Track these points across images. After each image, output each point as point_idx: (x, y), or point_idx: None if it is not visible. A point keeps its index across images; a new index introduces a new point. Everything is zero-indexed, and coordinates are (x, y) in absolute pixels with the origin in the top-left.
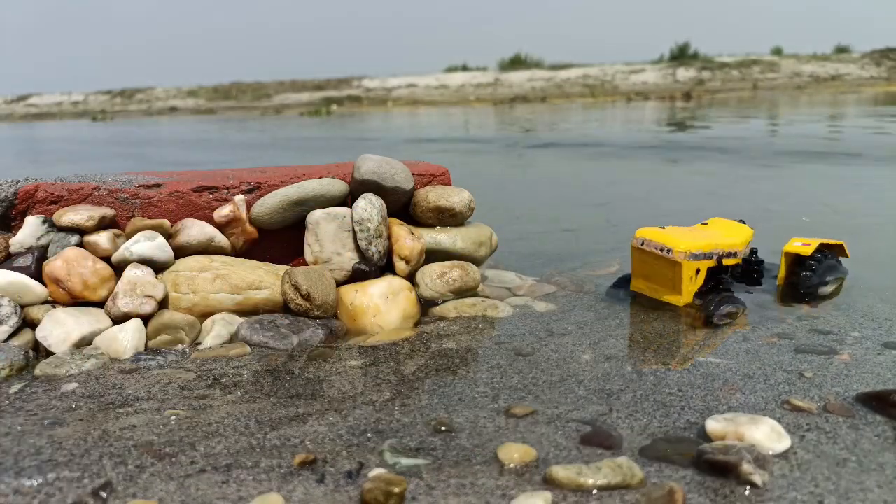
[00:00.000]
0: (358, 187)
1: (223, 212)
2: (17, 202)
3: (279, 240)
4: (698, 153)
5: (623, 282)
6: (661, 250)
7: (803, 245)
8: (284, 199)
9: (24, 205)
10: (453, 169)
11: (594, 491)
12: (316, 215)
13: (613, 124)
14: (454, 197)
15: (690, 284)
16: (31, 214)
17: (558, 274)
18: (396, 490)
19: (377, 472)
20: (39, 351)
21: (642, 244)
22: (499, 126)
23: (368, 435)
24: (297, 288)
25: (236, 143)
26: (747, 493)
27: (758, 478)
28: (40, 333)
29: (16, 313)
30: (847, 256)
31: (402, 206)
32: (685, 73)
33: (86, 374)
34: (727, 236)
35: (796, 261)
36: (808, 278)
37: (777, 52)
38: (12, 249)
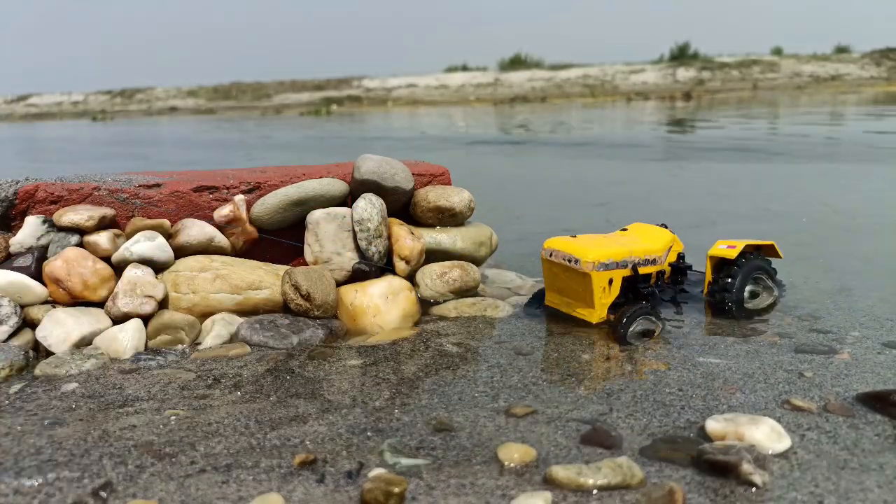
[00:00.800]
0: (358, 187)
1: (223, 212)
2: (17, 202)
3: (279, 240)
4: (698, 153)
5: (539, 297)
6: (570, 261)
7: (728, 248)
8: (284, 199)
9: (24, 205)
10: (453, 169)
11: (594, 491)
12: (316, 215)
13: (613, 124)
14: (454, 197)
15: (603, 297)
16: (31, 214)
17: None
18: (396, 490)
19: (377, 471)
20: (39, 351)
21: (550, 255)
22: (499, 126)
23: (368, 434)
24: (297, 288)
25: (236, 142)
26: (747, 492)
27: (758, 478)
28: (40, 333)
29: (16, 313)
30: (780, 257)
31: (402, 206)
32: (685, 73)
33: (86, 374)
34: (644, 242)
35: (720, 266)
36: (727, 287)
37: (777, 52)
38: (12, 249)
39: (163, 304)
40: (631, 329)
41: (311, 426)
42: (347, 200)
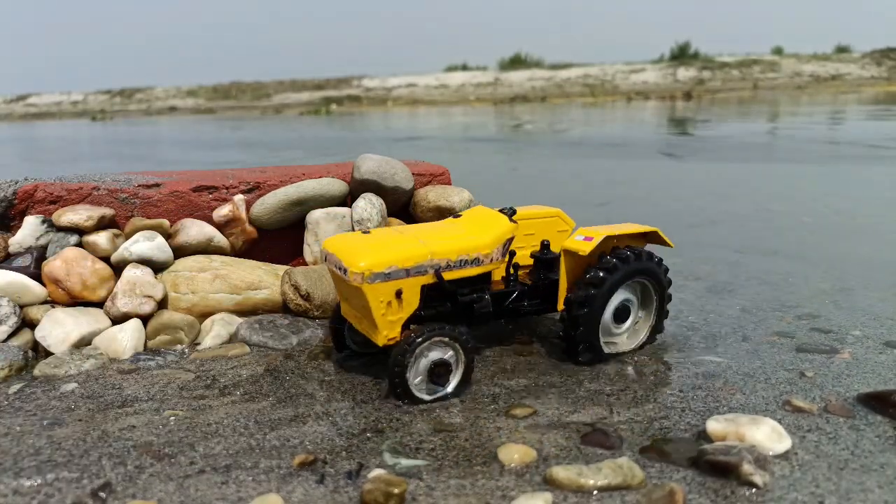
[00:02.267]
0: (358, 187)
1: (222, 211)
2: (17, 202)
3: (279, 240)
4: (699, 152)
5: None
6: (341, 270)
7: (585, 240)
8: (284, 198)
9: (23, 204)
10: (453, 168)
11: (595, 492)
12: (315, 215)
13: (614, 124)
14: (454, 197)
15: (389, 313)
16: (30, 214)
17: None
18: (396, 491)
19: (377, 472)
20: (38, 351)
21: (326, 259)
22: (499, 126)
23: (368, 435)
24: (296, 288)
25: (236, 142)
26: (748, 493)
27: (758, 478)
28: (39, 333)
29: (15, 313)
30: (670, 245)
31: (402, 206)
32: (685, 73)
33: (85, 375)
34: (460, 238)
35: (577, 264)
36: (581, 300)
37: (777, 51)
38: (11, 249)
39: (162, 304)
40: (415, 369)
41: (310, 427)
42: (347, 200)
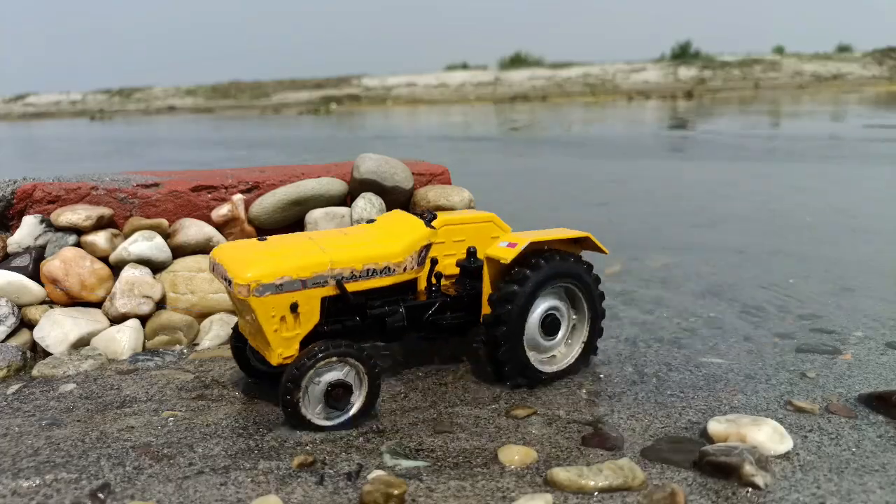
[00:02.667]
0: (357, 187)
1: (221, 211)
2: (15, 202)
3: None
4: (699, 152)
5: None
6: (227, 281)
7: (508, 246)
8: (283, 198)
9: (21, 204)
10: (453, 168)
11: (595, 493)
12: (315, 215)
13: (614, 123)
14: (454, 196)
15: (283, 329)
16: (28, 214)
17: None
18: (396, 492)
19: (377, 473)
20: (37, 351)
21: (213, 269)
22: (499, 125)
23: (368, 436)
24: None
25: (235, 142)
26: (749, 494)
27: (760, 479)
28: (38, 334)
29: (13, 313)
30: (604, 252)
31: (401, 206)
32: (686, 72)
33: (83, 375)
34: (368, 246)
35: (502, 273)
36: (500, 318)
37: (779, 51)
38: (10, 249)
39: (161, 304)
40: (311, 393)
41: None
42: (346, 200)
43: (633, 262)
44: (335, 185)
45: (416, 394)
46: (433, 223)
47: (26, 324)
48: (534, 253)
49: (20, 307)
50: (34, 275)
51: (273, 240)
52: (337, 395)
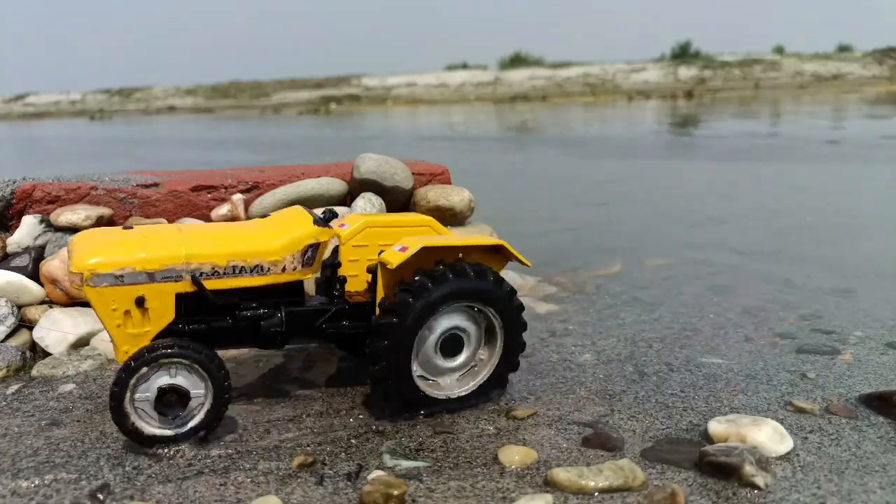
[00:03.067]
0: (357, 187)
1: (221, 211)
2: (15, 202)
3: None
4: (699, 152)
5: None
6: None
7: (400, 250)
8: (283, 198)
9: (21, 204)
10: (453, 168)
11: (596, 493)
12: None
13: (614, 123)
14: (454, 196)
15: (128, 325)
16: (28, 214)
17: (559, 274)
18: (396, 493)
19: (377, 474)
20: (36, 351)
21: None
22: (499, 125)
23: (368, 436)
24: None
25: (234, 142)
26: (749, 494)
27: (760, 480)
28: (37, 334)
29: (13, 313)
30: (526, 264)
31: (401, 206)
32: (687, 72)
33: (83, 375)
34: (238, 241)
35: (393, 281)
36: (378, 328)
37: (779, 50)
38: (9, 249)
39: None
40: (132, 395)
41: (309, 428)
42: (346, 200)
43: (633, 262)
44: (335, 185)
45: None
46: (331, 222)
47: (26, 324)
48: (446, 263)
49: (20, 307)
50: (34, 275)
51: (138, 229)
52: (169, 402)
